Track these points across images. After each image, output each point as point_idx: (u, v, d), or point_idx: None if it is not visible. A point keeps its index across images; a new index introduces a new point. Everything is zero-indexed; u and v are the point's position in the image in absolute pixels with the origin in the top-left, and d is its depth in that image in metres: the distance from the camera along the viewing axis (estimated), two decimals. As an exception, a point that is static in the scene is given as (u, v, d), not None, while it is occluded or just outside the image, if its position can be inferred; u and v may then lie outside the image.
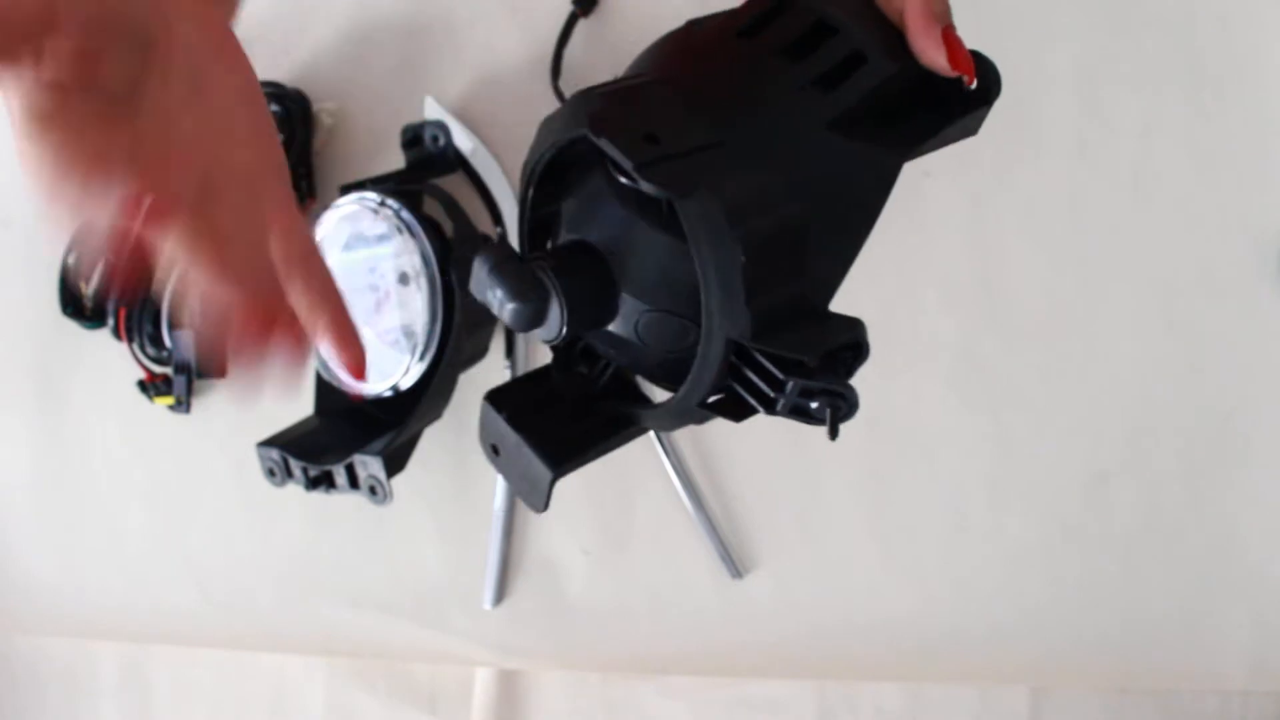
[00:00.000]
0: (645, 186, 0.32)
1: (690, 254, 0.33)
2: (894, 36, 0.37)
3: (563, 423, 0.40)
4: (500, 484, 0.69)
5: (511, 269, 0.35)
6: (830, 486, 0.67)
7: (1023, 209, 0.66)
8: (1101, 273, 0.66)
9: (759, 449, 0.67)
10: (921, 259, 0.67)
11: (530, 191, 0.39)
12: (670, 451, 0.67)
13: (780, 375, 0.32)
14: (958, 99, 0.38)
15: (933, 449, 0.67)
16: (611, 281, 0.36)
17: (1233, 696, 0.66)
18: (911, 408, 0.67)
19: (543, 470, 0.38)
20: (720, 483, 0.68)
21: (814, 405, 0.33)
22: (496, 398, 0.40)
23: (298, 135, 0.68)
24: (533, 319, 0.35)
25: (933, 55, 0.36)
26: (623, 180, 0.36)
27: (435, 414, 0.64)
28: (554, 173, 0.38)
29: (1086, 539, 0.66)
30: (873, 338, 0.71)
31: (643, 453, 0.68)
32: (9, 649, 0.79)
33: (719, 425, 0.66)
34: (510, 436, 0.39)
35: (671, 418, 0.39)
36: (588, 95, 0.35)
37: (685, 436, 0.68)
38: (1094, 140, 0.66)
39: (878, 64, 0.37)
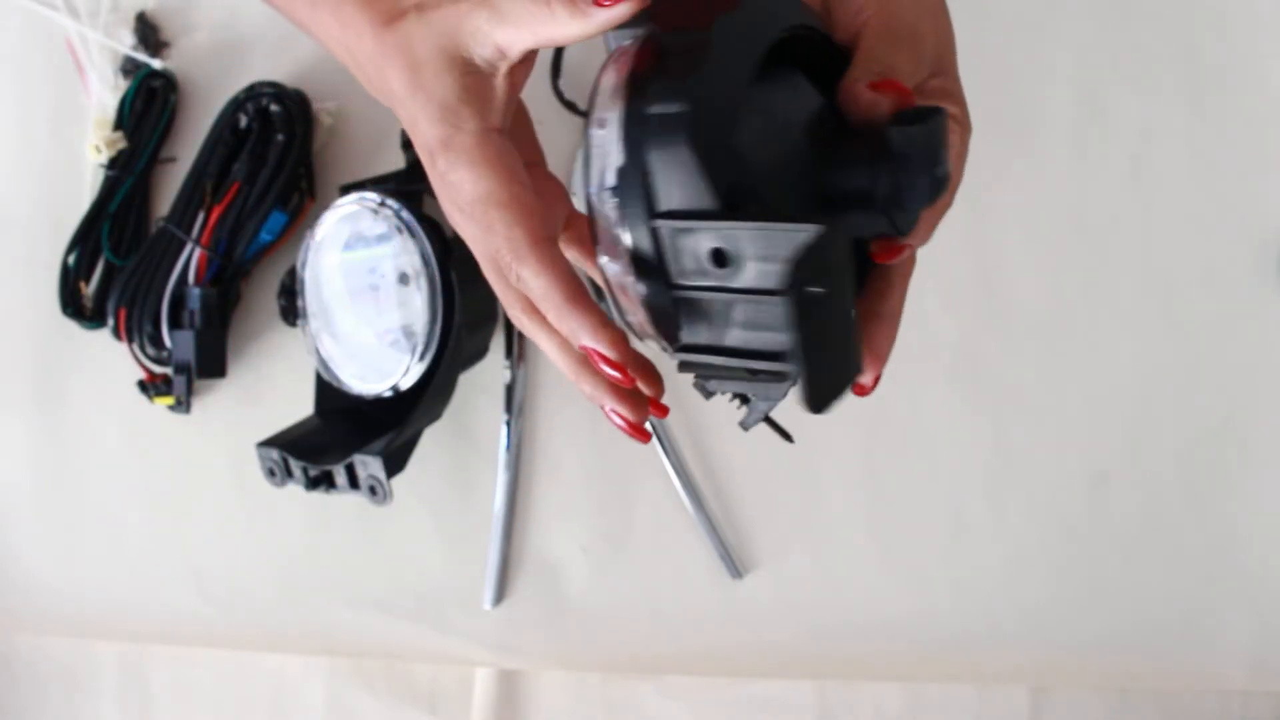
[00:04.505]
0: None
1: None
2: None
3: None
4: (500, 484, 0.69)
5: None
6: (830, 486, 0.67)
7: (1023, 209, 0.66)
8: (1101, 273, 0.66)
9: (759, 449, 0.67)
10: (921, 259, 0.67)
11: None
12: (670, 451, 0.67)
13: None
14: None
15: (933, 449, 0.67)
16: None
17: (1233, 696, 0.66)
18: (911, 408, 0.67)
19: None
20: (720, 483, 0.68)
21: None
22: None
23: (297, 135, 0.68)
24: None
25: None
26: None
27: (435, 414, 0.64)
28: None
29: (1086, 539, 0.66)
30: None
31: (643, 453, 0.68)
32: (9, 649, 0.79)
33: (719, 425, 0.66)
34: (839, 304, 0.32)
35: None
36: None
37: (685, 437, 0.68)
38: (1094, 140, 0.66)
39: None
